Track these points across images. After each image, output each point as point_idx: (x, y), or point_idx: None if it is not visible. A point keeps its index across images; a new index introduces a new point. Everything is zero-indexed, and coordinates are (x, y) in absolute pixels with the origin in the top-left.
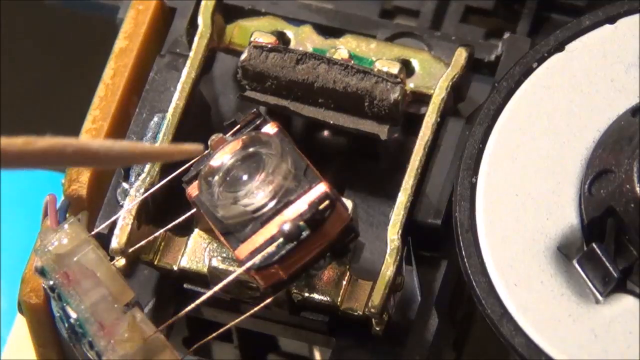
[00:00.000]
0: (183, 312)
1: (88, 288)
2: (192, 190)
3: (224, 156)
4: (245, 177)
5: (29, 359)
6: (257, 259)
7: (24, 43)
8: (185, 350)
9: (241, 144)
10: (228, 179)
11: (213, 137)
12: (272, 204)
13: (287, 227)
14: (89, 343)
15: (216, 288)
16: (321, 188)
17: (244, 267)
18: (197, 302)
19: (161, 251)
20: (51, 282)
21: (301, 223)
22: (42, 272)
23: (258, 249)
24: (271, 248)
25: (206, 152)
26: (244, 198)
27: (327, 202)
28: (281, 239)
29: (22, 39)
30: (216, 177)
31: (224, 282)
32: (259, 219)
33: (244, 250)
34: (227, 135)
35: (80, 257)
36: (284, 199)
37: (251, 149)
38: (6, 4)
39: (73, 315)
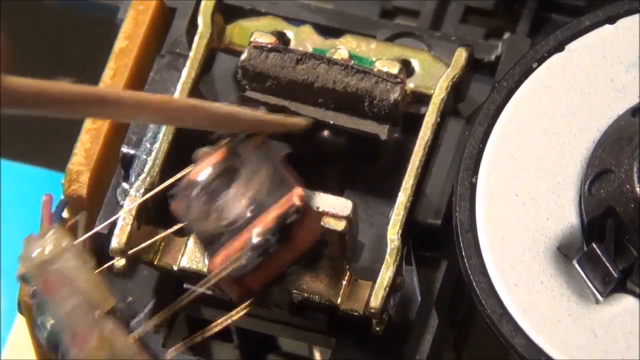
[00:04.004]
0: (166, 310)
1: (64, 296)
2: (176, 205)
3: (203, 170)
4: (221, 191)
5: (29, 359)
6: (225, 271)
7: (24, 43)
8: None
9: (219, 157)
10: (205, 192)
11: (197, 151)
12: (245, 216)
13: (254, 239)
14: (62, 352)
15: (198, 286)
16: (292, 200)
17: (214, 279)
18: (187, 300)
19: (161, 251)
20: (31, 290)
21: (269, 236)
22: (24, 279)
23: (228, 260)
24: (240, 260)
25: (191, 166)
26: (218, 211)
27: (294, 216)
28: (249, 252)
29: (22, 39)
30: (194, 191)
31: (198, 285)
32: (233, 231)
33: (216, 261)
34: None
35: (60, 265)
36: (256, 211)
37: (228, 163)
38: (6, 4)
39: (50, 322)
